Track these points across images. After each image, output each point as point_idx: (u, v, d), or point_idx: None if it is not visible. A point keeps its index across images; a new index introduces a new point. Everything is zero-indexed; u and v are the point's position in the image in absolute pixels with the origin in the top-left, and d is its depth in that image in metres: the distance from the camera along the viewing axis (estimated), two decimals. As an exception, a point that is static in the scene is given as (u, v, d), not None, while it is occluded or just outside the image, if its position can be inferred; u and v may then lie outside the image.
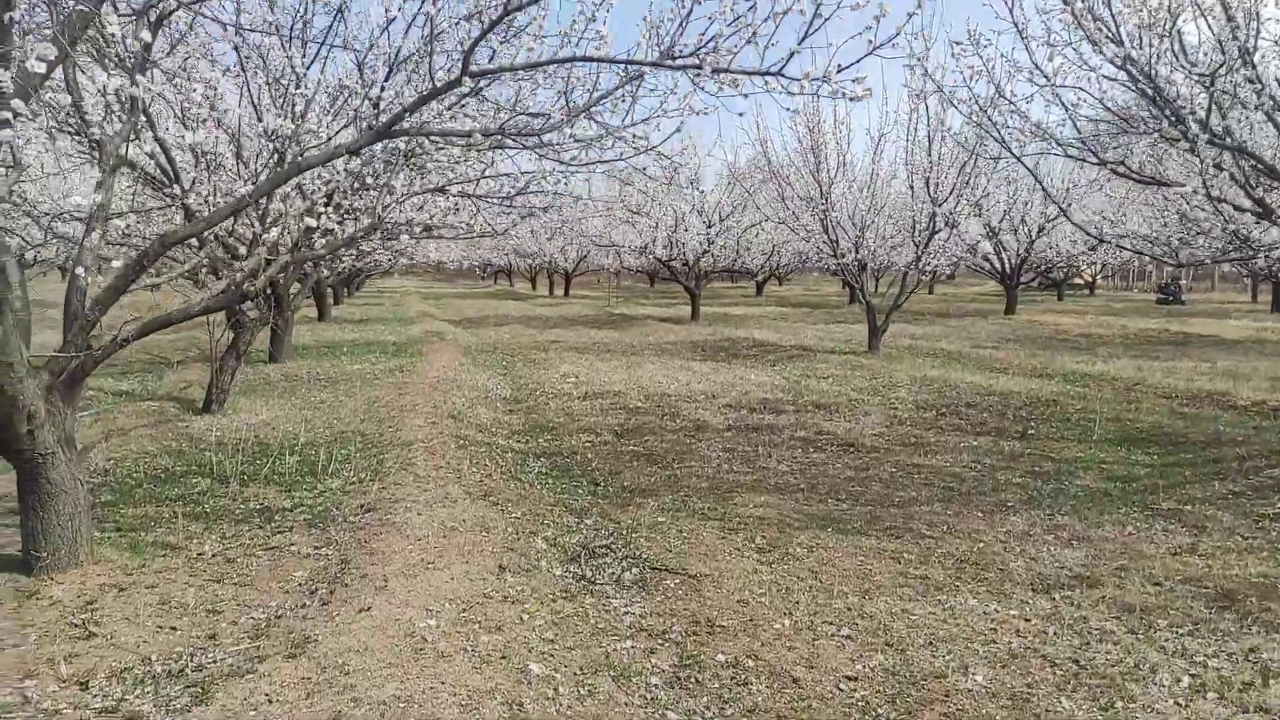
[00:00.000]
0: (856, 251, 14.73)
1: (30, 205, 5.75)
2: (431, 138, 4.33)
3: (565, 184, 5.44)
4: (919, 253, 14.31)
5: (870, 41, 3.95)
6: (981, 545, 4.82)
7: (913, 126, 14.02)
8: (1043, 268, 27.70)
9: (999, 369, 12.78)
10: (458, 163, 4.92)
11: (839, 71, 3.95)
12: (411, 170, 4.84)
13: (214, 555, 4.37)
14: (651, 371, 12.32)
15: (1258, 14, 6.41)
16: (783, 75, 3.93)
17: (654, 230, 21.54)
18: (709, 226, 22.02)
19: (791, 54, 3.92)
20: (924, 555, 4.64)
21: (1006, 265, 25.26)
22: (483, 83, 4.22)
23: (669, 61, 4.12)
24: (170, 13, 4.94)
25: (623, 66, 4.41)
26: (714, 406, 9.43)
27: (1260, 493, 5.95)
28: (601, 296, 35.80)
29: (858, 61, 3.98)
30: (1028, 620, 3.82)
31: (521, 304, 31.34)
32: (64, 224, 6.12)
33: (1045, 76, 7.04)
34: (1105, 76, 6.91)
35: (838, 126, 14.64)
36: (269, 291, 8.73)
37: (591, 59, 3.94)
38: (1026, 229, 24.09)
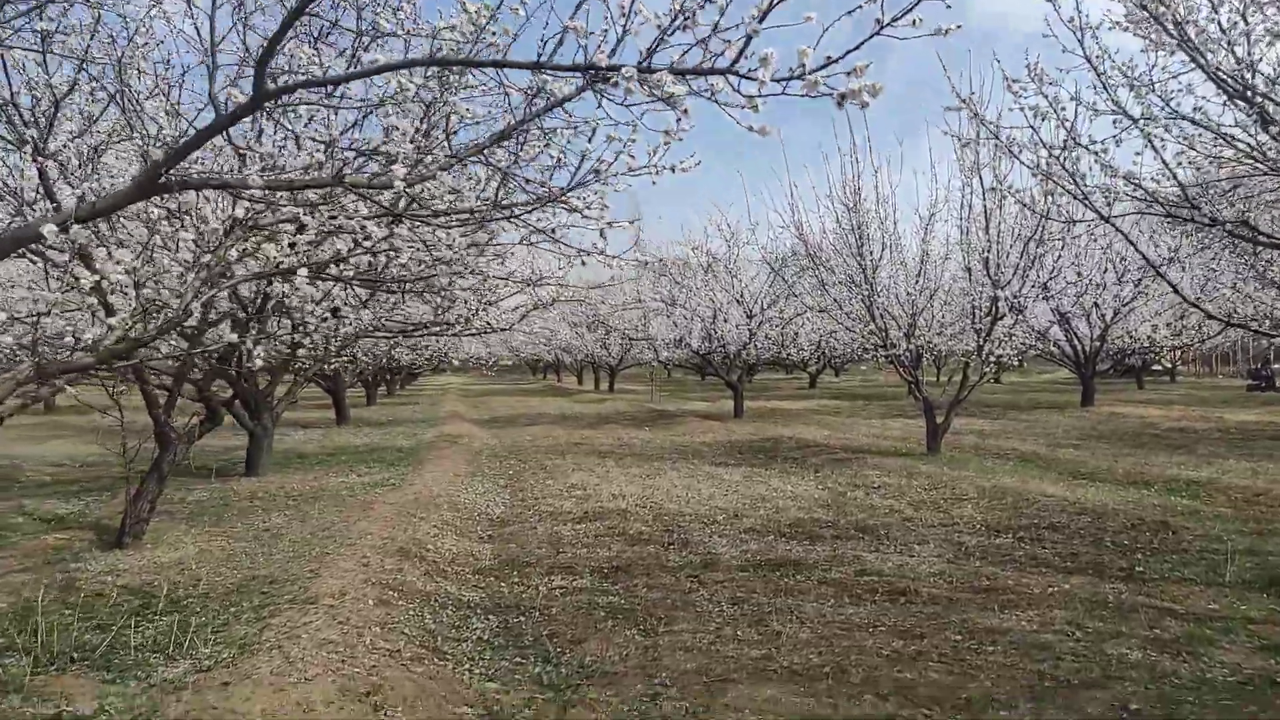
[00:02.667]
0: (909, 341, 13.05)
1: None
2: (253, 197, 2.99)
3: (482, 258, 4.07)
4: (981, 341, 12.58)
5: (878, 20, 2.50)
6: (1102, 806, 3.05)
7: (967, 202, 12.53)
8: (1119, 354, 25.42)
9: (1085, 475, 10.81)
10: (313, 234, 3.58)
11: (827, 66, 2.49)
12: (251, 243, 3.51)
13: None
14: (671, 482, 10.69)
15: None
16: (733, 73, 2.50)
17: (689, 322, 20.16)
18: (750, 317, 20.57)
19: (748, 38, 2.47)
20: (1008, 830, 2.89)
21: (1080, 352, 23.10)
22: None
23: (572, 69, 2.72)
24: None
25: (538, 93, 3.03)
26: (733, 532, 7.75)
27: None
28: (647, 391, 34.37)
29: (860, 46, 2.52)
30: None
31: (562, 401, 30.07)
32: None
33: (1129, 117, 5.51)
34: (1212, 97, 5.34)
35: (881, 204, 13.21)
36: (201, 398, 7.48)
37: (449, 62, 2.57)
38: (1100, 313, 22.04)
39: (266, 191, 2.76)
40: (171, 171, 2.59)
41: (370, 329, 11.73)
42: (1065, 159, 5.29)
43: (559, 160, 3.51)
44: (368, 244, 3.47)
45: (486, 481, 11.01)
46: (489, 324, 11.97)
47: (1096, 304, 21.77)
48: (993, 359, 12.79)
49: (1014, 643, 4.75)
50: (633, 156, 3.34)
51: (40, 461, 12.95)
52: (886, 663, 4.47)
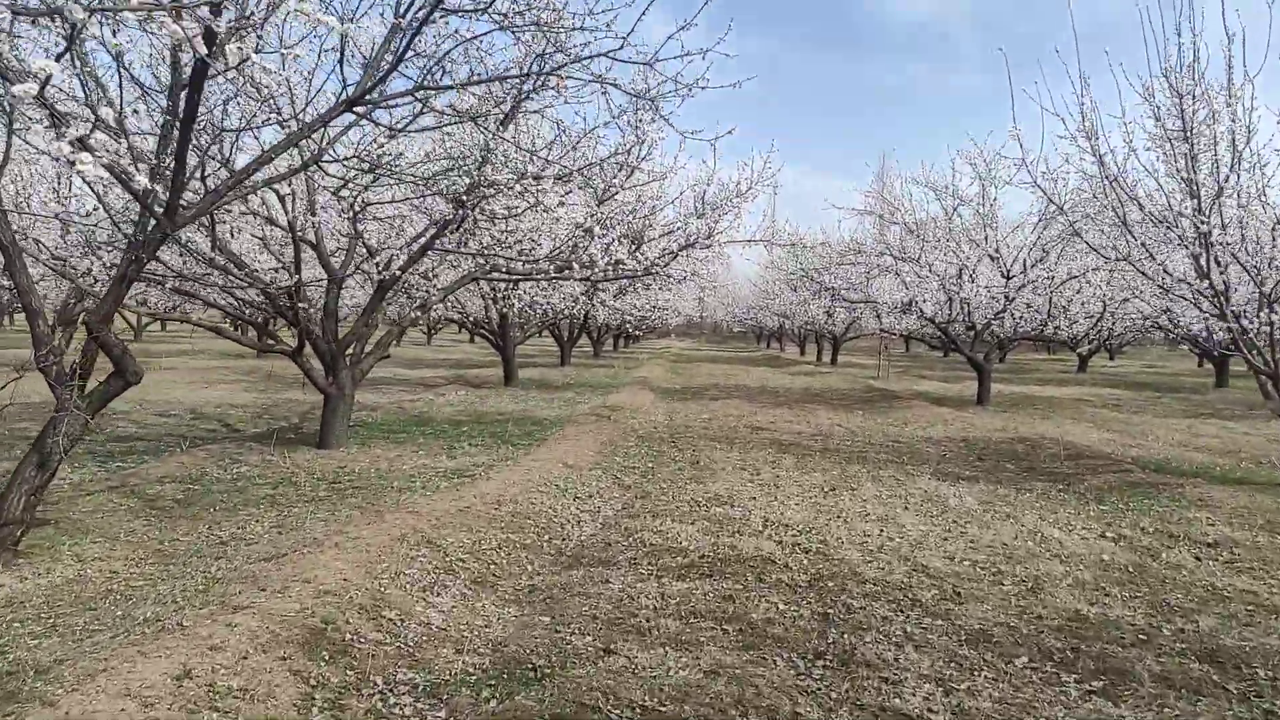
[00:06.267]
0: (1270, 309, 8.32)
1: None
2: None
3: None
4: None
5: None
6: None
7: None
8: None
9: None
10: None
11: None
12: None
13: None
14: (863, 504, 7.11)
15: None
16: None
17: (922, 282, 15.87)
18: (1008, 278, 15.90)
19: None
20: None
21: None
22: None
23: None
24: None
25: None
26: (946, 639, 4.15)
27: None
28: (874, 366, 29.84)
29: None
30: None
31: (770, 372, 26.52)
32: None
33: None
34: None
35: (1233, 96, 8.46)
36: (98, 342, 4.98)
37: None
38: None
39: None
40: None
41: (483, 270, 9.09)
42: None
43: None
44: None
45: (605, 479, 8.00)
46: (623, 266, 8.93)
47: None
48: None
49: None
50: None
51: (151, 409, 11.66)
52: None
